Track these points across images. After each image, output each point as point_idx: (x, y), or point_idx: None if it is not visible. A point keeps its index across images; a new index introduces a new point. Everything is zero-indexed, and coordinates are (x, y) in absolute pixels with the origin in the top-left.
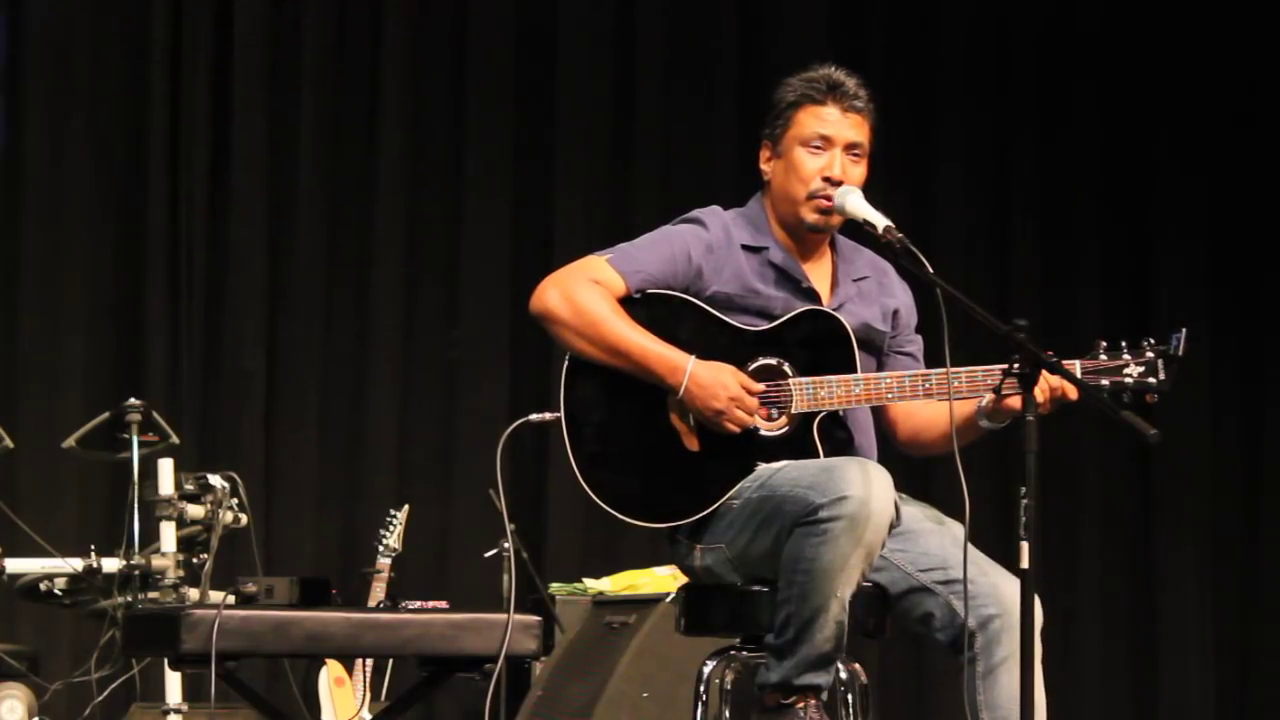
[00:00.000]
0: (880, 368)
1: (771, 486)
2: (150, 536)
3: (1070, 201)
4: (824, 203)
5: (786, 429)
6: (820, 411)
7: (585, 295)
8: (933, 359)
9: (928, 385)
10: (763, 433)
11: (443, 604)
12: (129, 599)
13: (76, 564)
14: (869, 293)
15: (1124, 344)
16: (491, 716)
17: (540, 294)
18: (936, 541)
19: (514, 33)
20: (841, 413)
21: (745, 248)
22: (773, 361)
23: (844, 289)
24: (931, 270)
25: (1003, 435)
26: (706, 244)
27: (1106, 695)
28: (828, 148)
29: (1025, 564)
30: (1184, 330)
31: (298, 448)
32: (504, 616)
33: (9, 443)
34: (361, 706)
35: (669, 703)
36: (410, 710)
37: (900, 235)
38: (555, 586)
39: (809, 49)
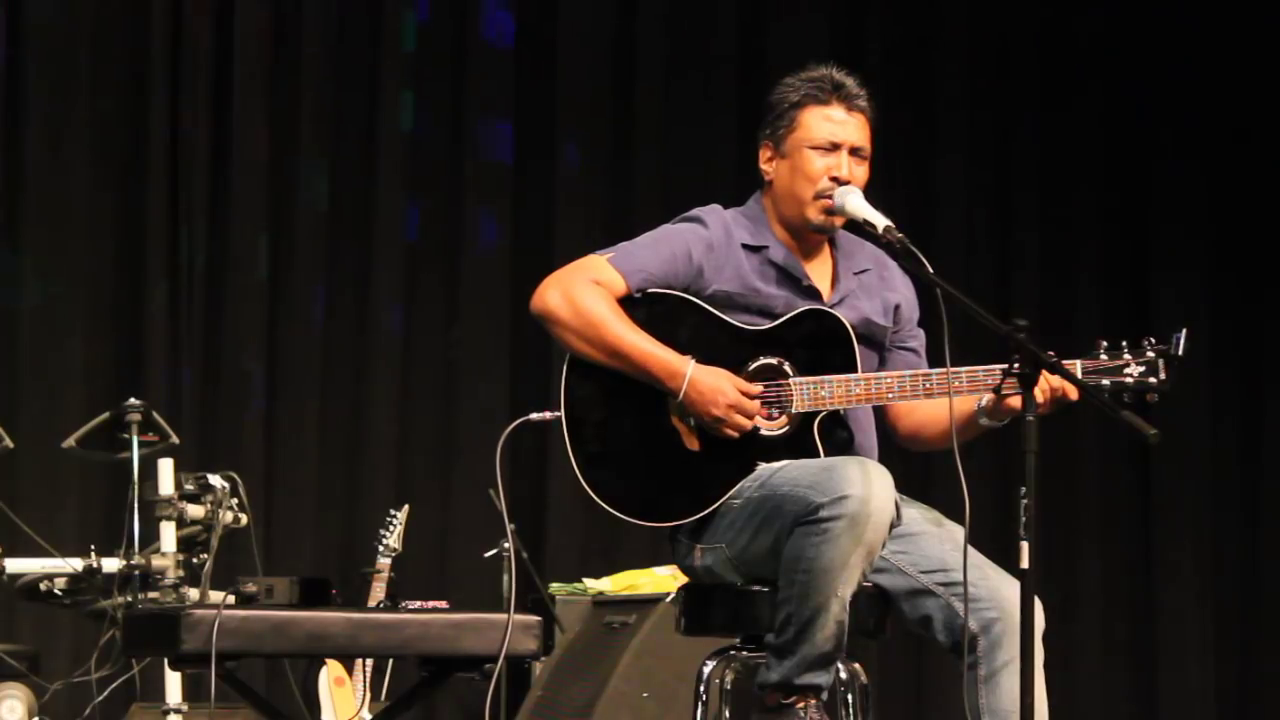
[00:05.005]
0: (882, 363)
1: (772, 486)
2: (150, 536)
3: (1070, 199)
4: (829, 202)
5: (787, 429)
6: (820, 411)
7: (586, 296)
8: (933, 358)
9: (928, 385)
10: (763, 432)
11: (443, 604)
12: (129, 599)
13: (76, 564)
14: (870, 285)
15: (1124, 344)
16: (491, 716)
17: (541, 294)
18: (937, 543)
19: (514, 32)
20: (843, 412)
21: (745, 246)
22: (773, 361)
23: (845, 283)
24: (931, 270)
25: (1003, 435)
26: (707, 242)
27: (1106, 695)
28: (835, 150)
29: (1025, 564)
30: (1185, 330)
31: (298, 448)
32: (504, 616)
33: (9, 443)
34: (361, 706)
35: (669, 703)
36: (410, 710)
37: (900, 235)
38: (555, 586)
39: (809, 48)
